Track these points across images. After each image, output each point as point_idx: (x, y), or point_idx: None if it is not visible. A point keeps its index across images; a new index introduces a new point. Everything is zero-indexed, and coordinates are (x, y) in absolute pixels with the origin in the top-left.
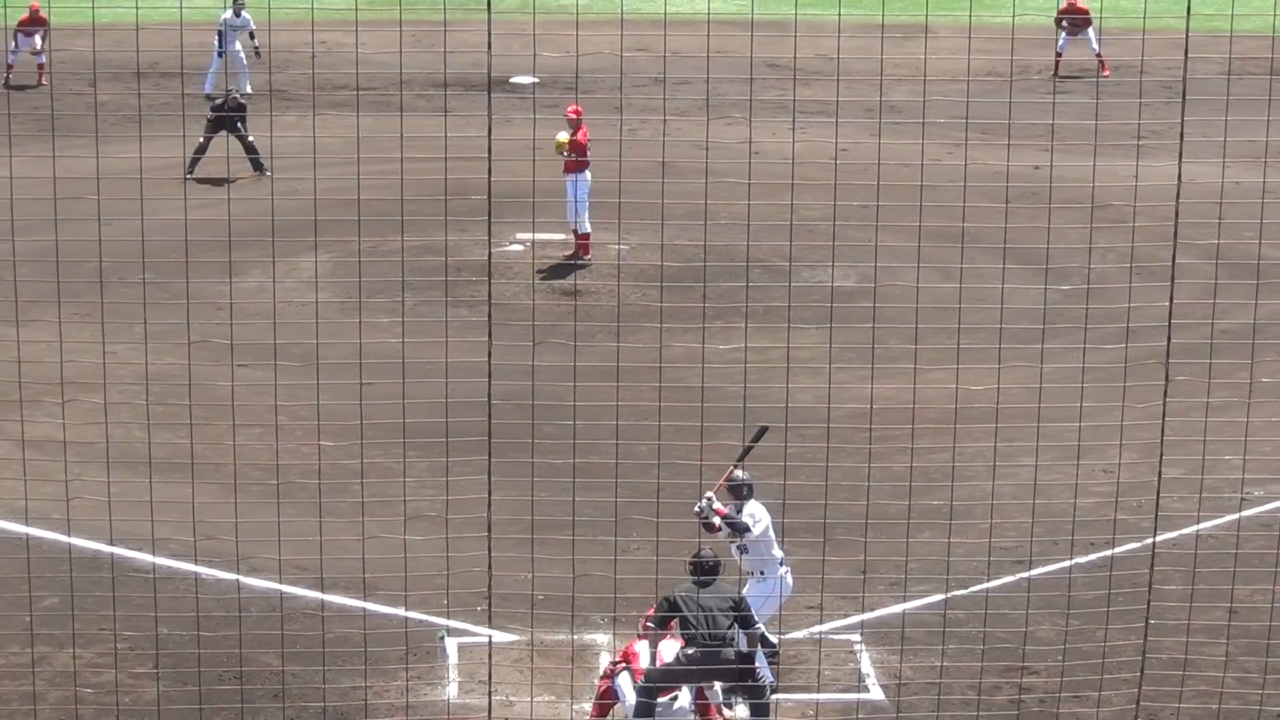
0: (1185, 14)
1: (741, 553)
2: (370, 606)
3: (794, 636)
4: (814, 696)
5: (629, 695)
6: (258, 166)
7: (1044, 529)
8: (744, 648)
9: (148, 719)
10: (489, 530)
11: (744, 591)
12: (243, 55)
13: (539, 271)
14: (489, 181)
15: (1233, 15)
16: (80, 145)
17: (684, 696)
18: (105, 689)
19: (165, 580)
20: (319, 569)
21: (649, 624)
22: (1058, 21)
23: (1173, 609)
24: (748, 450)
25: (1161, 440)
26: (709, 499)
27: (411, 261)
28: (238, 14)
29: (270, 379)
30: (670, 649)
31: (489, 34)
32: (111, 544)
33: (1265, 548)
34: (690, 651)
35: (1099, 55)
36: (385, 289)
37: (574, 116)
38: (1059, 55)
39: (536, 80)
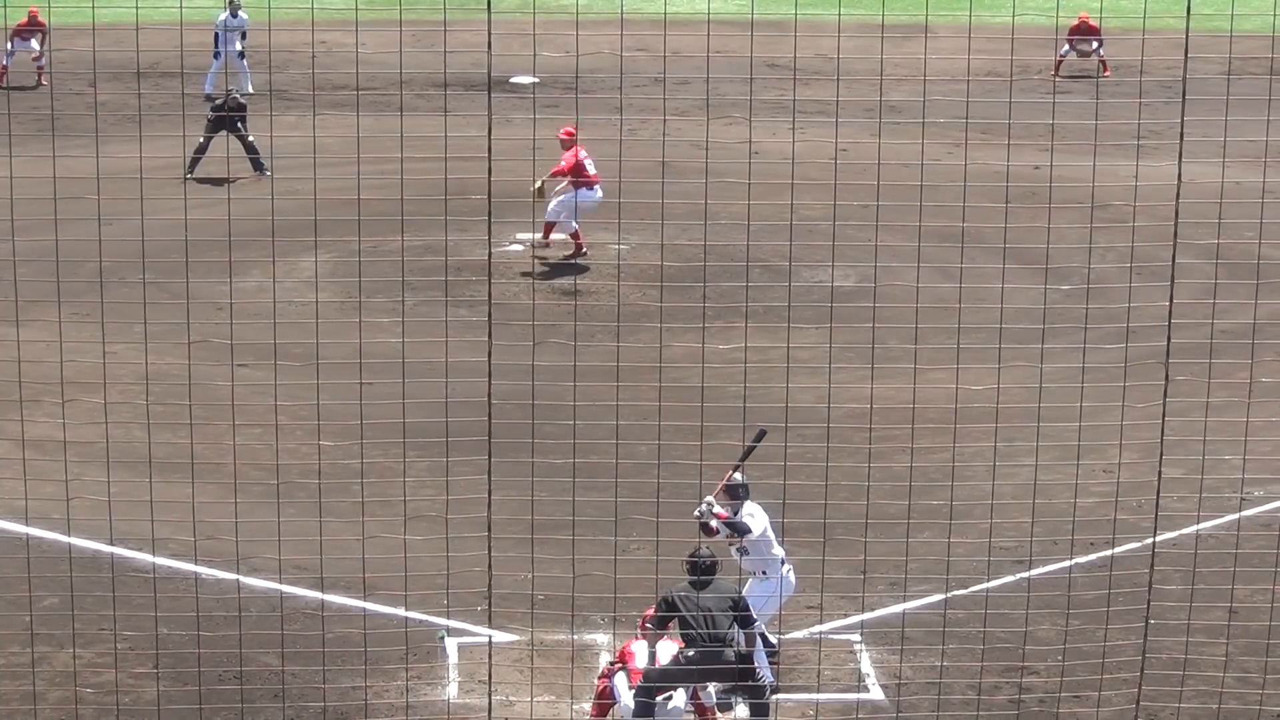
0: (1185, 14)
1: (742, 554)
2: (370, 606)
3: (794, 636)
4: (814, 696)
5: (624, 696)
6: (258, 166)
7: (1044, 529)
8: (744, 647)
9: (148, 719)
10: (489, 530)
11: (745, 590)
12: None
13: (539, 272)
14: (489, 181)
15: (1233, 15)
16: (80, 145)
17: (679, 697)
18: (105, 689)
19: (165, 580)
20: (319, 569)
21: (648, 624)
22: (1069, 41)
23: (1173, 609)
24: (748, 452)
25: (1161, 440)
26: (709, 503)
27: (411, 261)
28: (234, 15)
29: (270, 379)
30: (667, 650)
31: (489, 34)
32: (111, 544)
33: (1265, 548)
34: (690, 653)
35: (1100, 56)
36: (385, 289)
37: (565, 138)
38: (1060, 58)
39: (536, 80)
